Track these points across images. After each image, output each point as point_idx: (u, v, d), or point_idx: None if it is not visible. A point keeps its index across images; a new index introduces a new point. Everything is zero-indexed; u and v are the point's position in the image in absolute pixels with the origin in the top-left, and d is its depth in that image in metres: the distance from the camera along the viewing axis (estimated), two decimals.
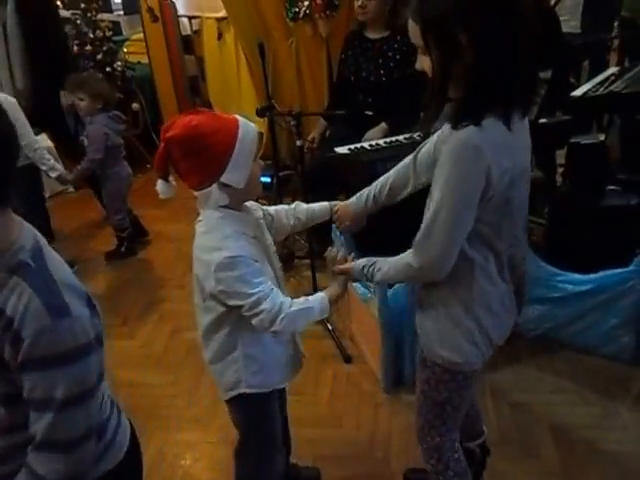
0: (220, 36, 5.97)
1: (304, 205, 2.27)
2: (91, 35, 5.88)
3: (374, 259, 1.96)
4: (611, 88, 3.55)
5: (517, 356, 3.29)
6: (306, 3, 4.92)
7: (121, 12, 7.48)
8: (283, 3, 5.01)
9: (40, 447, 1.31)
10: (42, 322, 1.24)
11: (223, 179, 1.82)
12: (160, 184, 1.90)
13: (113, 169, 4.56)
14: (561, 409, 3.01)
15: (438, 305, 1.89)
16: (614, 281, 3.10)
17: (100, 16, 6.09)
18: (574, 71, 4.58)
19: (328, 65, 5.16)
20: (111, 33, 6.19)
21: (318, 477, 2.74)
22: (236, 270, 1.80)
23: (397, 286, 3.03)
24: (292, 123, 3.57)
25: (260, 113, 3.74)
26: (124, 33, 7.22)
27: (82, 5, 5.82)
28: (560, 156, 4.02)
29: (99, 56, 5.91)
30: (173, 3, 6.61)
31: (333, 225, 3.61)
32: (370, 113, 3.92)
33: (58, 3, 5.94)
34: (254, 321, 1.87)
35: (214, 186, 1.84)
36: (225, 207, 1.89)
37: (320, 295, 1.99)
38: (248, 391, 2.06)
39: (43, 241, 1.41)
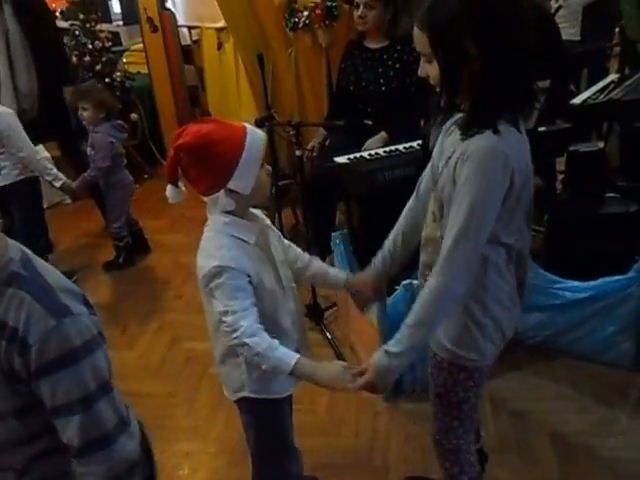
0: (220, 46, 5.98)
1: (317, 262, 2.26)
2: (90, 46, 5.89)
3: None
4: (611, 96, 3.56)
5: (516, 364, 3.28)
6: (305, 13, 4.94)
7: (120, 22, 7.47)
8: (282, 13, 5.04)
9: (82, 452, 1.34)
10: (46, 324, 1.26)
11: (230, 185, 1.87)
12: (170, 189, 1.94)
13: (116, 177, 4.58)
14: (560, 416, 3.00)
15: (455, 308, 1.88)
16: (613, 288, 3.10)
17: (99, 26, 6.10)
18: (573, 79, 4.58)
19: (328, 75, 5.17)
20: (110, 44, 6.19)
21: None
22: (218, 279, 1.85)
23: (396, 294, 3.02)
24: (291, 133, 3.58)
25: (259, 123, 3.74)
26: (124, 43, 7.21)
27: (81, 16, 5.84)
28: (560, 163, 4.02)
29: (98, 67, 5.92)
30: (173, 13, 6.64)
31: (333, 234, 3.64)
32: (369, 122, 3.92)
33: (57, 14, 5.94)
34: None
35: (221, 192, 1.88)
36: (231, 213, 1.93)
37: (290, 354, 1.87)
38: (252, 396, 2.09)
39: (29, 252, 1.42)
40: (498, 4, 1.60)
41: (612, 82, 3.86)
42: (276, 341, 1.86)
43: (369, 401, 3.19)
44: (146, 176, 6.28)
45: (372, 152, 3.79)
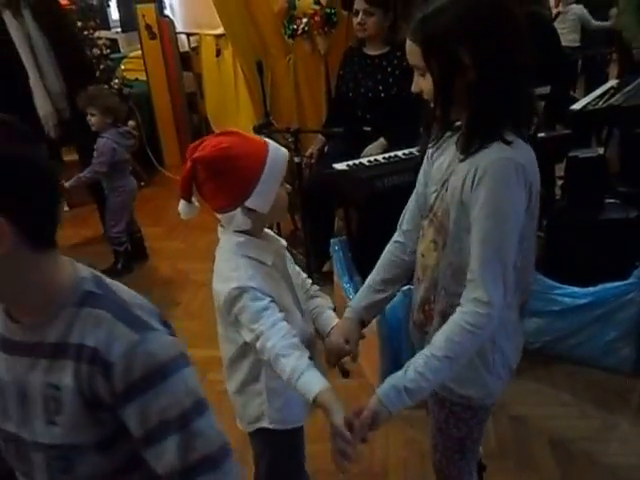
0: (218, 53, 5.99)
1: (320, 300, 2.11)
2: (88, 52, 5.88)
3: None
4: (610, 102, 3.57)
5: (516, 369, 3.24)
6: (304, 20, 4.95)
7: (119, 29, 7.51)
8: (281, 20, 5.05)
9: (185, 476, 1.21)
10: (129, 340, 1.18)
11: (248, 203, 1.77)
12: (182, 205, 1.83)
13: (120, 182, 4.58)
14: (560, 422, 2.99)
15: None
16: (613, 294, 3.10)
17: (97, 33, 6.10)
18: (573, 85, 4.60)
19: (326, 81, 5.18)
20: (109, 51, 6.19)
21: None
22: (241, 302, 1.74)
23: (396, 299, 3.01)
24: (290, 140, 3.57)
25: (258, 130, 3.73)
26: (122, 50, 7.23)
27: (79, 23, 5.83)
28: (559, 169, 4.02)
29: (96, 74, 5.91)
30: (171, 20, 6.66)
31: (332, 240, 3.63)
32: (368, 129, 3.92)
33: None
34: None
35: (238, 210, 1.78)
36: (246, 232, 1.83)
37: (315, 386, 1.67)
38: (271, 427, 1.98)
39: (97, 271, 1.35)
40: (490, 12, 1.56)
41: (611, 88, 3.87)
42: (302, 365, 1.68)
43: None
44: (143, 183, 6.26)
45: (371, 158, 3.78)
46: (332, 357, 2.00)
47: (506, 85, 1.57)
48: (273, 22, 5.07)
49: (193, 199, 1.82)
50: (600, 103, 3.64)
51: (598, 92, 3.90)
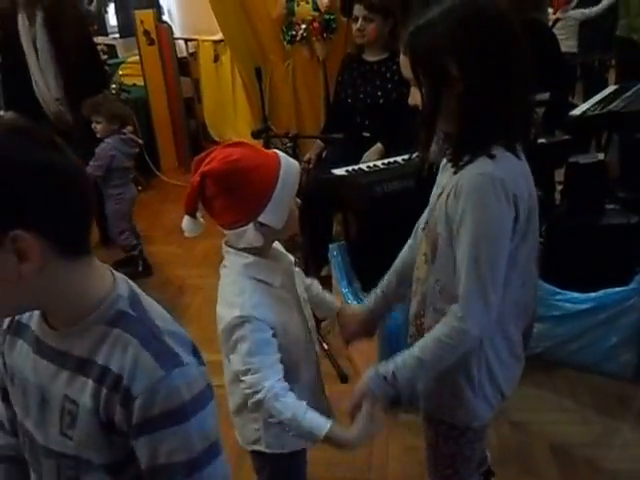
0: (217, 58, 6.00)
1: (316, 287, 2.08)
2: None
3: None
4: (610, 107, 3.56)
5: None
6: (303, 26, 4.96)
7: (117, 35, 7.52)
8: (280, 26, 5.06)
9: None
10: (154, 376, 1.14)
11: (261, 219, 1.67)
12: (187, 222, 1.71)
13: (117, 190, 4.50)
14: (561, 428, 2.98)
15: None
16: (614, 299, 3.09)
17: (95, 39, 6.09)
18: (572, 91, 4.60)
19: (325, 87, 5.17)
20: (106, 56, 6.19)
21: None
22: (241, 331, 1.68)
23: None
24: (288, 145, 3.56)
25: (256, 135, 3.72)
26: (120, 56, 7.24)
27: None
28: (558, 174, 4.02)
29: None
30: (169, 26, 6.66)
31: (330, 246, 3.62)
32: (367, 135, 3.92)
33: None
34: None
35: (250, 225, 1.67)
36: (254, 251, 1.75)
37: (321, 423, 1.68)
38: (268, 451, 1.91)
39: (137, 288, 1.31)
40: (481, 25, 1.56)
41: (611, 94, 3.87)
42: (303, 405, 1.68)
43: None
44: (140, 188, 6.24)
45: (370, 164, 3.77)
46: (344, 334, 2.09)
47: (496, 98, 1.56)
48: (272, 28, 5.08)
49: (198, 215, 1.72)
50: (600, 109, 3.63)
51: (598, 98, 3.90)
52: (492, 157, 1.55)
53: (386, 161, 3.79)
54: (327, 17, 4.93)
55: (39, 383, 1.25)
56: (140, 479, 1.22)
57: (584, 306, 3.15)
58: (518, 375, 1.86)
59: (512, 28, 1.59)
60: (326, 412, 1.90)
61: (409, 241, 2.00)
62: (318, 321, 3.75)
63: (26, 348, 1.28)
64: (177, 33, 7.02)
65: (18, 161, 1.04)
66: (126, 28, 7.12)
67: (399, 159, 3.78)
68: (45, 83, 4.52)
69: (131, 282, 1.30)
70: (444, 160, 1.76)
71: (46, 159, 1.07)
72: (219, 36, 5.76)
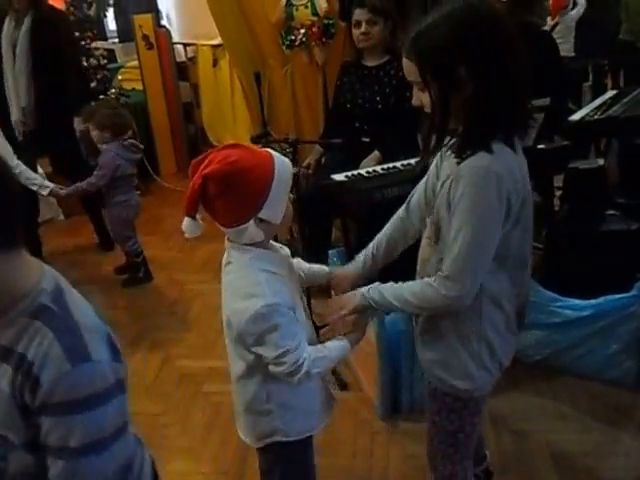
0: (215, 62, 6.00)
1: (304, 263, 2.17)
2: (85, 63, 5.87)
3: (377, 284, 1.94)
4: (609, 113, 3.55)
5: (516, 383, 3.22)
6: (302, 31, 4.96)
7: (116, 40, 7.53)
8: (279, 31, 5.05)
9: None
10: (61, 368, 1.22)
11: (261, 215, 1.75)
12: (188, 223, 1.76)
13: (122, 197, 4.48)
14: (562, 436, 2.96)
15: (447, 333, 1.88)
16: (615, 306, 3.07)
17: (94, 44, 6.10)
18: (572, 97, 4.59)
19: (324, 92, 5.17)
20: (106, 61, 6.19)
21: None
22: (272, 320, 1.73)
23: (394, 314, 2.98)
24: (288, 150, 3.55)
25: (255, 140, 3.71)
26: (119, 60, 7.25)
27: (76, 33, 5.82)
28: (558, 180, 4.01)
29: (93, 84, 5.90)
30: (168, 31, 6.67)
31: (330, 251, 3.60)
32: (367, 140, 3.90)
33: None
34: (272, 368, 1.81)
35: (251, 222, 1.75)
36: (256, 245, 1.81)
37: (343, 345, 1.94)
38: (284, 439, 1.97)
39: (64, 282, 1.36)
40: (481, 25, 1.62)
41: (610, 99, 3.86)
42: (324, 348, 1.89)
43: (367, 420, 3.15)
44: (139, 192, 6.23)
45: (370, 170, 3.76)
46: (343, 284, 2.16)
47: (502, 96, 1.64)
48: (271, 33, 5.08)
49: (197, 216, 1.77)
50: (599, 114, 3.62)
51: (597, 103, 3.89)
52: (491, 152, 1.64)
53: (385, 167, 3.77)
54: (326, 22, 4.94)
55: None
56: None
57: (584, 313, 3.13)
58: (514, 348, 1.98)
59: (508, 29, 1.65)
60: (329, 399, 2.14)
61: (399, 212, 2.13)
62: (317, 328, 3.75)
63: None
64: (176, 38, 7.04)
65: None
66: (125, 33, 7.13)
67: (398, 164, 3.76)
68: (15, 89, 4.54)
69: (61, 278, 1.37)
70: (444, 149, 1.84)
71: None
72: (218, 41, 5.76)
